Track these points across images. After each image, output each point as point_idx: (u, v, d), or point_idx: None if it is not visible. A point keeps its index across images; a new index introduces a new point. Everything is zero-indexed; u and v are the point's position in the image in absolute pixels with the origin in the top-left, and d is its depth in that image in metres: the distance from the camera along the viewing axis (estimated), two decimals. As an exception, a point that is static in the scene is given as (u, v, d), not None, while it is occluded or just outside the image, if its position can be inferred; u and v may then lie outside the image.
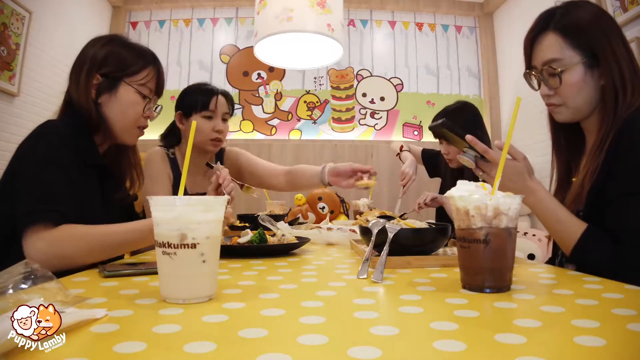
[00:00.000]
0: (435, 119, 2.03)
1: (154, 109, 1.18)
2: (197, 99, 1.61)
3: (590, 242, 0.86)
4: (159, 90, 1.19)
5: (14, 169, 1.00)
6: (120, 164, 1.22)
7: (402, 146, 2.38)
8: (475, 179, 0.83)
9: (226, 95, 1.68)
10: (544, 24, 0.97)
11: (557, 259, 1.06)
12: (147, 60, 1.14)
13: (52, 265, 0.83)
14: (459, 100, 2.09)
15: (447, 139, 0.96)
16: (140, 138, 1.20)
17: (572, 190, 0.96)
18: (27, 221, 0.90)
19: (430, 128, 0.99)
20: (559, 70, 0.94)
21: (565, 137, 1.07)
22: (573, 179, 1.02)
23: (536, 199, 0.90)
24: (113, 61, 1.10)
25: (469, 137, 0.89)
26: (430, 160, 2.39)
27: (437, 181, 2.39)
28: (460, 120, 1.91)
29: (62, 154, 0.99)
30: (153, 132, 1.24)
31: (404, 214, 1.83)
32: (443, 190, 2.21)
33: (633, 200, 0.85)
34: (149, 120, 1.17)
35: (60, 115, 1.12)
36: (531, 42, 1.00)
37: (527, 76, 1.03)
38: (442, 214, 2.13)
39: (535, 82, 1.02)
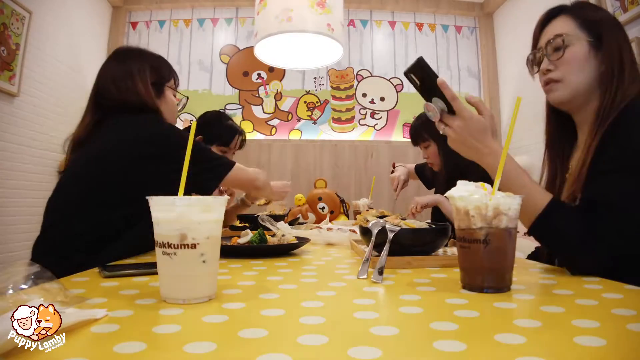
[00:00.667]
0: (416, 120, 2.08)
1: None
2: (221, 134, 1.94)
3: (557, 212, 0.81)
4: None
5: (160, 158, 1.16)
6: None
7: (394, 163, 2.51)
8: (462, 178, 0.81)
9: (244, 136, 2.04)
10: (559, 8, 1.00)
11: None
12: (170, 67, 1.36)
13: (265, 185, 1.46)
14: None
15: (417, 81, 0.86)
16: None
17: (569, 182, 0.95)
18: (226, 168, 1.29)
19: (408, 72, 0.87)
20: (565, 43, 0.95)
21: (558, 140, 1.07)
22: (567, 175, 1.01)
23: (496, 160, 0.81)
24: (157, 70, 1.30)
25: (440, 80, 0.82)
26: (422, 173, 2.42)
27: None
28: None
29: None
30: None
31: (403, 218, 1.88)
32: None
33: (617, 176, 0.81)
34: None
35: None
36: (541, 27, 1.02)
37: (529, 59, 1.03)
38: (439, 215, 2.13)
39: (534, 66, 1.02)
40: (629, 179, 0.80)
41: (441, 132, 0.88)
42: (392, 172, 2.46)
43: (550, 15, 1.01)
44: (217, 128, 1.93)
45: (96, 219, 1.12)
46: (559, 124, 1.07)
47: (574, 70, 0.95)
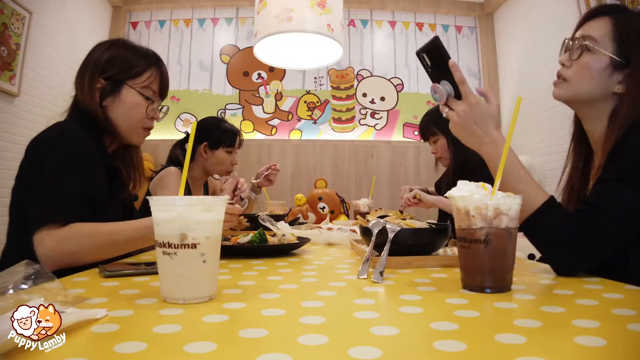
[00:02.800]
0: (425, 116, 2.08)
1: (158, 109, 1.20)
2: (225, 136, 1.97)
3: (551, 212, 0.80)
4: (162, 91, 1.21)
5: (29, 169, 1.01)
6: (126, 165, 1.24)
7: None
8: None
9: (242, 136, 2.07)
10: (609, 9, 0.96)
11: None
12: (149, 61, 1.16)
13: (59, 262, 0.89)
14: None
15: (428, 62, 0.86)
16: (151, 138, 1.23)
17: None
18: (38, 223, 0.93)
19: (421, 51, 0.87)
20: (586, 47, 0.92)
21: (582, 143, 1.04)
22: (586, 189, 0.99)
23: (495, 150, 0.83)
24: (115, 64, 1.12)
25: (452, 61, 0.81)
26: (439, 187, 2.40)
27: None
28: None
29: (78, 156, 1.02)
30: (162, 133, 1.31)
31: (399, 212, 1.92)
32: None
33: (620, 184, 0.80)
34: (155, 121, 1.20)
35: (69, 117, 1.13)
36: (585, 19, 0.98)
37: (564, 42, 0.99)
38: (444, 213, 2.13)
39: (563, 52, 0.99)
40: (629, 190, 0.79)
41: (444, 115, 0.88)
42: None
43: (597, 12, 0.96)
44: (219, 132, 1.98)
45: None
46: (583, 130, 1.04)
47: (584, 76, 0.93)
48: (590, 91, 0.93)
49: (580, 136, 1.05)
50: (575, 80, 0.94)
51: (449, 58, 0.82)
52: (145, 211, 0.83)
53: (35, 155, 1.02)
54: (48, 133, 1.04)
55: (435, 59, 0.84)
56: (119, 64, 1.12)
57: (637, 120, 0.85)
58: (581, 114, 0.99)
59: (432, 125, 2.02)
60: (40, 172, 0.98)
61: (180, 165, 1.93)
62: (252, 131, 3.91)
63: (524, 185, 0.81)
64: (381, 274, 0.75)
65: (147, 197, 0.62)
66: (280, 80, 3.98)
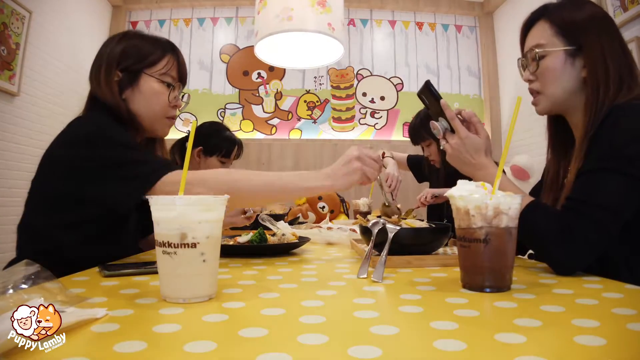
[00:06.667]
0: (415, 119, 2.09)
1: (180, 97, 1.16)
2: (222, 145, 1.93)
3: (535, 212, 0.82)
4: (182, 77, 1.17)
5: (77, 164, 0.96)
6: None
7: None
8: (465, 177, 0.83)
9: (241, 147, 2.01)
10: (539, 12, 0.99)
11: None
12: (164, 48, 1.13)
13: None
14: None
15: (426, 102, 0.96)
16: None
17: (566, 189, 0.95)
18: (157, 174, 0.93)
19: (419, 93, 0.97)
20: (539, 55, 0.94)
21: (560, 141, 1.06)
22: (565, 181, 1.00)
23: (486, 173, 0.90)
24: (130, 54, 1.08)
25: (443, 101, 0.91)
26: (416, 166, 2.39)
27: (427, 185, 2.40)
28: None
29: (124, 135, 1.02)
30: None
31: (411, 209, 1.87)
32: None
33: (599, 175, 0.81)
34: (177, 109, 1.15)
35: (87, 112, 1.10)
36: (524, 32, 1.02)
37: (518, 63, 1.04)
38: (433, 213, 2.13)
39: (524, 71, 1.02)
40: (611, 178, 0.79)
41: (442, 148, 0.96)
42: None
43: (531, 20, 1.00)
44: (217, 139, 1.93)
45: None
46: (560, 125, 1.05)
47: (550, 81, 0.95)
48: (565, 88, 0.95)
49: (556, 133, 1.06)
50: (547, 88, 0.96)
51: (441, 98, 0.92)
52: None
53: (79, 149, 0.96)
54: (79, 129, 1.00)
55: (430, 99, 0.95)
56: (134, 54, 1.08)
57: (613, 107, 0.86)
58: (565, 111, 1.00)
59: (422, 130, 2.02)
60: (105, 151, 0.95)
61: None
62: (252, 131, 3.91)
63: (506, 189, 0.82)
64: (381, 272, 0.75)
65: (147, 197, 0.62)
66: (280, 80, 3.98)
